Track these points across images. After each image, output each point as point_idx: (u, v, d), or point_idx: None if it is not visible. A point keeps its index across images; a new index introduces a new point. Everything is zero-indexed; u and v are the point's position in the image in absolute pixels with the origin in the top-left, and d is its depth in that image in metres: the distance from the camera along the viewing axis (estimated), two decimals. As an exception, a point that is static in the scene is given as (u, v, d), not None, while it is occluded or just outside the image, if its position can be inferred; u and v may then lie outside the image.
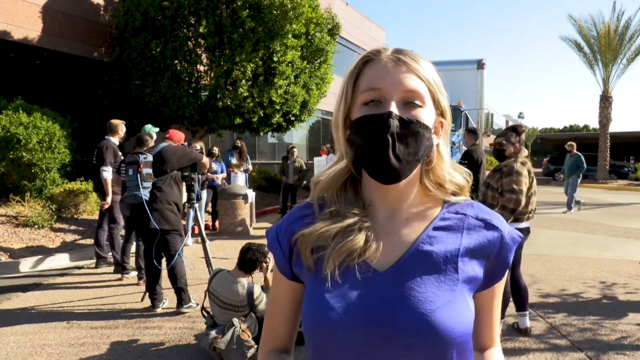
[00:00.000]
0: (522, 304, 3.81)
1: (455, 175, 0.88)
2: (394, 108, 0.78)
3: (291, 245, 0.89)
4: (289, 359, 0.96)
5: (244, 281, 3.43)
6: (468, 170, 0.91)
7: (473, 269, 0.83)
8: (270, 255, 3.51)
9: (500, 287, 0.89)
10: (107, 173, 5.62)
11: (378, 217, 0.86)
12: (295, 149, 10.61)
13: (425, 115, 0.81)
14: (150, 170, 4.31)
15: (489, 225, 0.86)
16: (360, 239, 0.81)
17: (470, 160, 6.84)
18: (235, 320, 3.31)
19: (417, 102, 0.80)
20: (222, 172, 8.79)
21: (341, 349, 0.78)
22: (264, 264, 3.54)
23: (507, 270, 0.88)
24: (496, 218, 0.88)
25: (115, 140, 5.87)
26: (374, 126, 0.78)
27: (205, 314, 3.54)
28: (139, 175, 4.24)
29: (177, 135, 4.71)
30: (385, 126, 0.77)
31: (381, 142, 0.77)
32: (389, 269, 0.81)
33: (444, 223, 0.86)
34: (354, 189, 0.89)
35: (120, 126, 5.97)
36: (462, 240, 0.84)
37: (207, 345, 3.26)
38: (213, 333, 3.28)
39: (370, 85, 0.81)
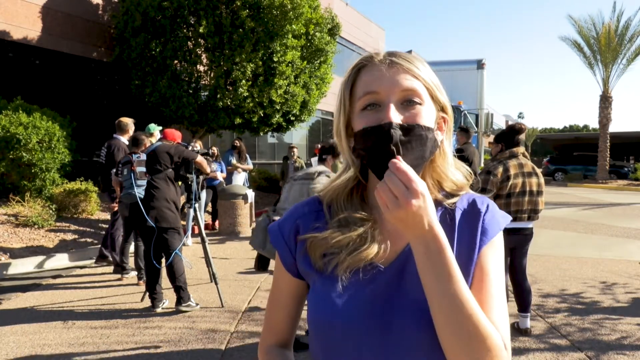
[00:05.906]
0: (525, 306, 3.81)
1: (455, 173, 0.89)
2: (393, 112, 0.77)
3: (296, 243, 0.90)
4: (289, 354, 0.97)
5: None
6: (470, 170, 0.92)
7: (466, 256, 0.83)
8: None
9: (489, 264, 0.81)
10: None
11: (382, 218, 0.87)
12: (295, 149, 10.61)
13: (426, 112, 0.81)
14: (143, 169, 4.33)
15: (474, 207, 0.87)
16: (373, 248, 0.83)
17: (460, 158, 6.88)
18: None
19: (415, 100, 0.80)
20: (222, 172, 8.81)
21: (344, 343, 0.81)
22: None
23: (504, 269, 0.88)
24: (480, 199, 0.89)
25: (124, 139, 5.87)
26: (376, 138, 0.77)
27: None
28: (132, 174, 4.25)
29: (172, 135, 4.72)
30: (388, 137, 0.76)
31: (386, 154, 0.76)
32: (390, 266, 0.83)
33: (441, 217, 0.86)
34: (361, 196, 0.90)
35: (130, 125, 5.98)
36: (456, 232, 0.85)
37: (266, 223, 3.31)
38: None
39: (366, 89, 0.81)
